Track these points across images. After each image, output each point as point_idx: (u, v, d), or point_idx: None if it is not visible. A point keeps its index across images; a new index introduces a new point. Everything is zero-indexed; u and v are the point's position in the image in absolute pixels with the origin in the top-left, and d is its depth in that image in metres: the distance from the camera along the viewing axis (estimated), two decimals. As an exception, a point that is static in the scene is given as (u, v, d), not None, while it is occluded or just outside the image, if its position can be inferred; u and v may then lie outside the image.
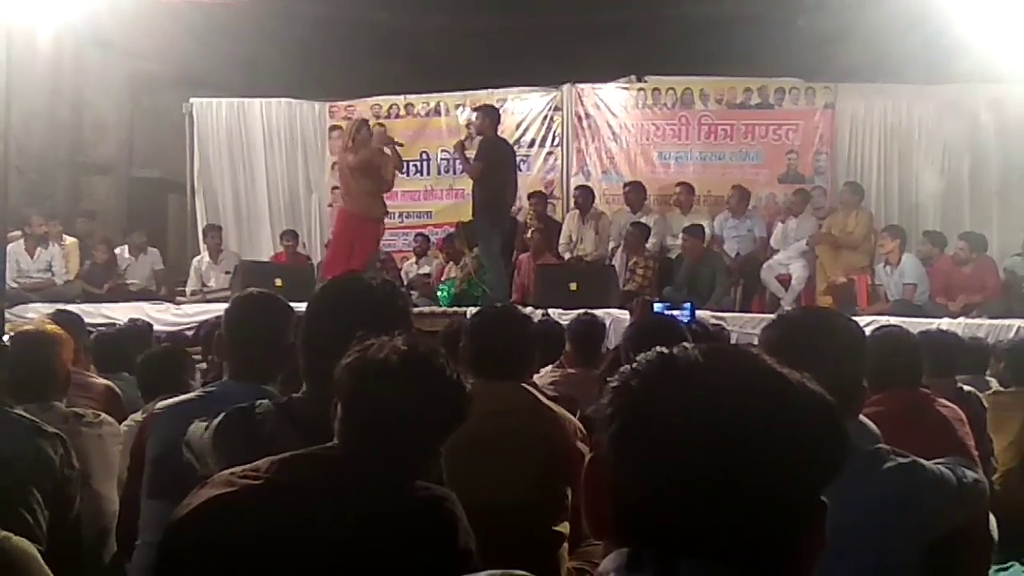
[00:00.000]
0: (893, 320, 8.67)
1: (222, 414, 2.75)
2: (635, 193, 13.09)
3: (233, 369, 3.45)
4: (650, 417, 1.21)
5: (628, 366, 1.28)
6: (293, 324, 3.43)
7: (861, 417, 2.70)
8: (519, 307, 4.65)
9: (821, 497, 1.22)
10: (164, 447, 3.29)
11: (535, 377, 4.99)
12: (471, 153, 11.63)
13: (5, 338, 3.81)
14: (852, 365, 2.68)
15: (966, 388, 5.69)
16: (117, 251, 13.66)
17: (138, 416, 4.86)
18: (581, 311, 7.74)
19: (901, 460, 2.55)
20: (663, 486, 1.19)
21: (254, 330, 3.41)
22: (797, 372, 1.25)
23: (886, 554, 2.45)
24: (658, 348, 1.28)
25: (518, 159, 12.94)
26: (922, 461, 2.57)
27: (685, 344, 1.28)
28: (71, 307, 10.27)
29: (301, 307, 3.01)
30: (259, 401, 2.81)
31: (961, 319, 10.14)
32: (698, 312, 10.39)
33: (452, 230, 13.80)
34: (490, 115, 11.69)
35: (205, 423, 2.79)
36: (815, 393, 1.23)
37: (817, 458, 1.21)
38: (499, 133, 11.98)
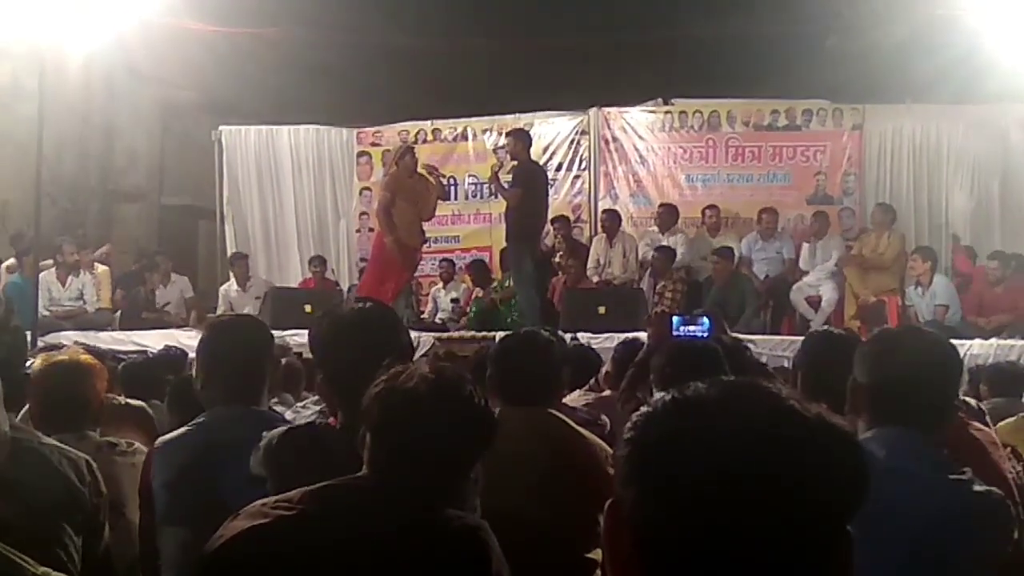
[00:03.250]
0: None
1: (274, 437, 2.78)
2: (668, 215, 13.14)
3: (223, 395, 3.39)
4: (668, 467, 1.20)
5: (640, 412, 1.27)
6: (272, 343, 3.53)
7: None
8: (544, 332, 4.64)
9: (847, 528, 1.22)
10: (169, 478, 3.31)
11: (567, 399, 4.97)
12: (505, 178, 11.65)
13: (34, 366, 3.81)
14: (946, 386, 2.72)
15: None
16: (156, 288, 13.80)
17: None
18: (628, 336, 7.76)
19: (982, 486, 2.58)
20: (687, 534, 1.18)
21: (238, 353, 3.40)
22: (815, 405, 1.25)
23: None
24: (670, 391, 1.27)
25: (547, 182, 12.96)
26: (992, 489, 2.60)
27: (698, 384, 1.27)
28: (103, 335, 10.37)
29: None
30: (319, 421, 2.87)
31: (993, 340, 10.07)
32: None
33: (480, 255, 13.83)
34: (522, 139, 11.70)
35: (265, 438, 2.82)
36: (834, 427, 1.23)
37: (841, 492, 1.21)
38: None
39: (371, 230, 13.76)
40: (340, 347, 2.94)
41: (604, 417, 4.97)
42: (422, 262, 13.20)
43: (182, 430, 3.47)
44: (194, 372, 3.55)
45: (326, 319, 3.10)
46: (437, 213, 12.22)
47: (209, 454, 3.18)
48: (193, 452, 3.24)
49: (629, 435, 1.26)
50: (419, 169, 11.72)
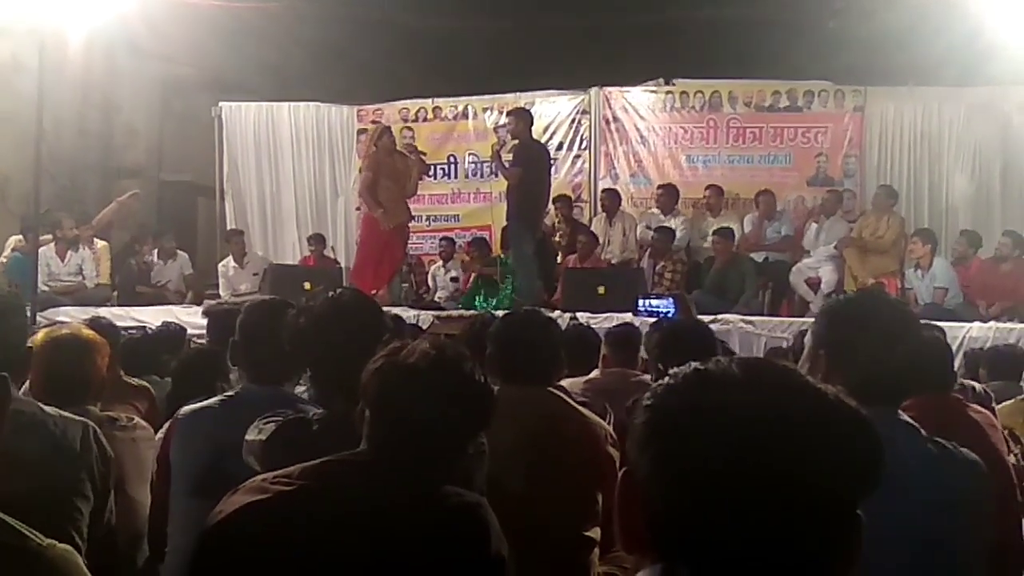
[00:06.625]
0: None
1: (276, 423, 2.79)
2: (667, 196, 13.09)
3: (251, 374, 3.49)
4: (689, 436, 1.21)
5: (661, 382, 1.28)
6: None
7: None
8: (544, 311, 4.64)
9: (857, 511, 1.23)
10: (189, 450, 3.35)
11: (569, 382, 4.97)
12: (507, 157, 11.62)
13: (36, 339, 3.80)
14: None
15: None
16: (147, 258, 13.80)
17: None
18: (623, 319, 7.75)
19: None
20: (700, 504, 1.19)
21: (269, 335, 3.42)
22: (831, 388, 1.26)
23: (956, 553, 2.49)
24: (692, 364, 1.28)
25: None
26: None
27: (719, 358, 1.28)
28: (102, 311, 10.36)
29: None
30: (314, 412, 2.88)
31: (992, 323, 10.06)
32: (727, 315, 10.38)
33: (479, 233, 13.82)
34: (523, 118, 11.65)
35: (259, 429, 2.83)
36: (851, 409, 1.24)
37: (855, 475, 1.22)
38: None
39: (369, 208, 13.77)
40: (319, 341, 2.99)
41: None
42: (423, 240, 13.15)
43: (207, 403, 3.50)
44: (233, 352, 3.62)
45: (302, 314, 3.12)
46: (438, 192, 12.21)
47: (233, 430, 3.19)
48: (217, 426, 3.27)
49: (649, 402, 1.27)
50: (398, 148, 11.74)
